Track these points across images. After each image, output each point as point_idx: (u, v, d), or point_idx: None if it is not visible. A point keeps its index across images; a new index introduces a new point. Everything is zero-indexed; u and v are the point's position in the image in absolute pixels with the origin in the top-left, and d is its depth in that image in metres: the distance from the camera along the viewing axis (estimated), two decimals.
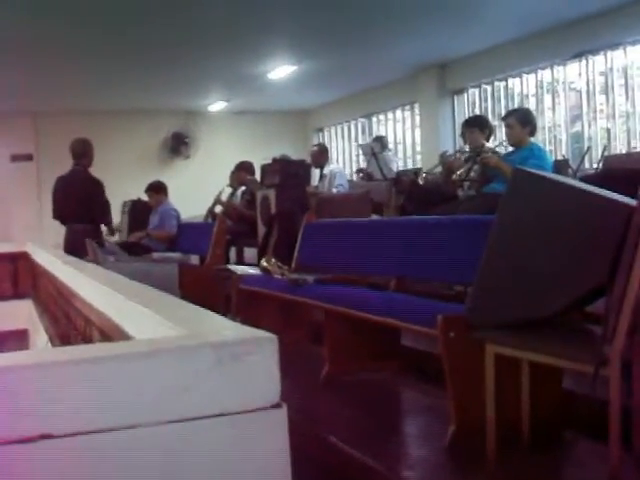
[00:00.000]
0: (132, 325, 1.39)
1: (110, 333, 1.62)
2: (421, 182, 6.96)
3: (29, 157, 13.89)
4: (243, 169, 9.63)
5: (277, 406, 0.93)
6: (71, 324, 2.58)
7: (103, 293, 1.90)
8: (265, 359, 0.94)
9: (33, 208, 13.27)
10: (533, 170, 3.41)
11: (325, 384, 4.47)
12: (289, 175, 7.83)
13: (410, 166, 12.38)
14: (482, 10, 8.39)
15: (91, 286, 2.17)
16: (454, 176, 6.51)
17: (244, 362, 0.93)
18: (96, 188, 7.52)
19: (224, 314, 5.68)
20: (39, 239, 8.92)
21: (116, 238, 9.12)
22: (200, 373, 0.90)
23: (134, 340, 1.26)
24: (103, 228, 7.94)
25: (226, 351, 0.92)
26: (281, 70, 11.01)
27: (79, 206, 7.40)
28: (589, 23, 8.65)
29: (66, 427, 0.83)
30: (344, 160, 14.81)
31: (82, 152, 7.64)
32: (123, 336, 1.41)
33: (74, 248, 6.56)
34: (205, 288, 6.83)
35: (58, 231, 7.97)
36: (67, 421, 0.83)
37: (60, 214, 7.75)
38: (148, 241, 8.42)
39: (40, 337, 3.82)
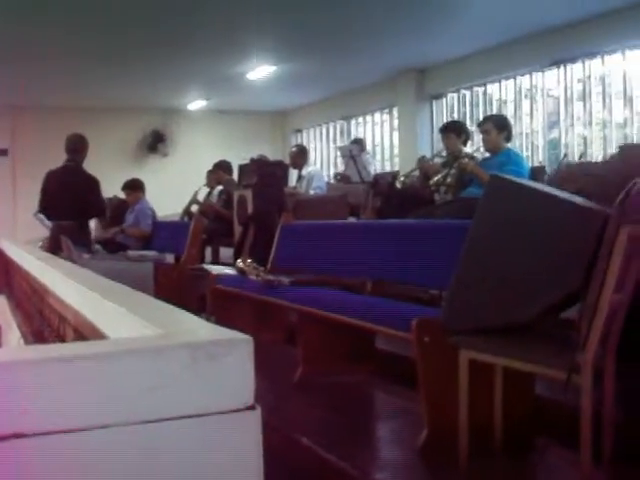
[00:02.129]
0: (107, 324, 1.38)
1: (84, 331, 1.60)
2: (399, 186, 6.98)
3: (4, 152, 13.74)
4: (221, 168, 9.62)
5: (251, 408, 0.93)
6: (45, 321, 2.55)
7: (78, 291, 1.88)
8: (240, 360, 0.93)
9: (7, 203, 13.14)
10: (510, 176, 3.43)
11: (299, 386, 4.46)
12: (267, 175, 7.81)
13: (388, 169, 12.41)
14: (462, 16, 8.44)
15: (65, 283, 2.15)
16: (431, 181, 6.53)
17: (219, 363, 0.92)
18: (93, 184, 7.46)
19: (199, 313, 5.66)
20: (12, 235, 8.84)
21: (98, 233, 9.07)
22: (175, 373, 0.90)
23: (109, 339, 1.25)
24: (92, 225, 7.90)
25: (201, 351, 0.92)
26: (261, 70, 11.00)
27: (73, 202, 7.29)
28: (567, 32, 8.74)
29: (39, 426, 0.82)
30: (322, 162, 14.81)
31: (78, 148, 7.56)
32: (98, 335, 1.40)
33: (58, 244, 6.48)
34: (180, 287, 6.82)
35: (33, 228, 7.90)
36: (40, 420, 0.82)
37: (50, 209, 7.62)
38: (123, 238, 8.38)
39: (13, 334, 3.78)
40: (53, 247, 6.40)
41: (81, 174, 7.50)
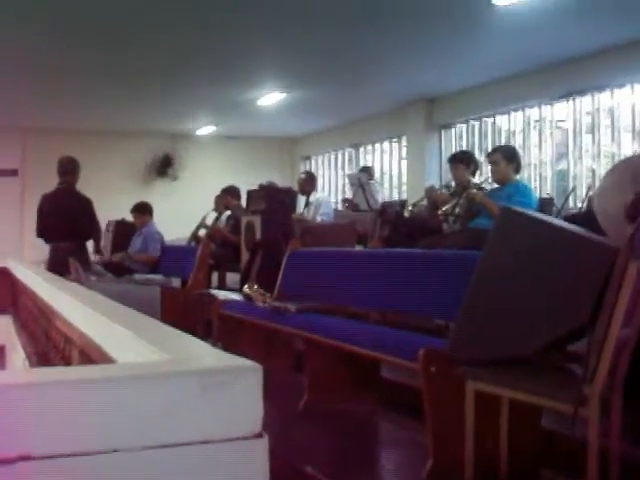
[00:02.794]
0: (114, 347, 1.38)
1: (91, 354, 1.60)
2: (407, 214, 6.98)
3: (14, 172, 13.81)
4: (229, 193, 9.64)
5: (259, 436, 0.92)
6: (50, 343, 2.55)
7: (85, 313, 1.88)
8: (249, 388, 0.93)
9: (14, 224, 13.18)
10: (518, 208, 3.43)
11: (304, 413, 4.44)
12: (275, 202, 7.83)
13: (395, 197, 12.42)
14: (472, 48, 8.48)
15: (73, 305, 2.15)
16: (440, 211, 6.53)
17: (228, 390, 0.92)
18: (87, 205, 7.51)
19: (204, 339, 5.64)
20: (19, 255, 8.86)
21: (98, 258, 9.08)
22: (183, 400, 0.89)
23: (116, 364, 1.24)
24: (89, 247, 7.91)
25: (210, 379, 0.92)
26: (270, 97, 11.05)
27: (67, 224, 7.34)
28: (577, 65, 8.77)
29: (45, 449, 0.82)
30: (330, 189, 14.84)
31: (70, 170, 7.62)
32: (104, 358, 1.40)
33: (58, 267, 6.52)
34: (186, 312, 6.80)
35: (39, 248, 7.93)
36: (47, 443, 0.82)
37: (45, 232, 7.68)
38: (130, 262, 8.39)
39: (17, 354, 3.78)
40: (52, 268, 6.42)
41: (74, 196, 7.55)
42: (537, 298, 2.89)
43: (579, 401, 2.59)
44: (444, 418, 3.21)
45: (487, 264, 3.06)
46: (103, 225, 9.87)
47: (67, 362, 2.05)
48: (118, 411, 0.86)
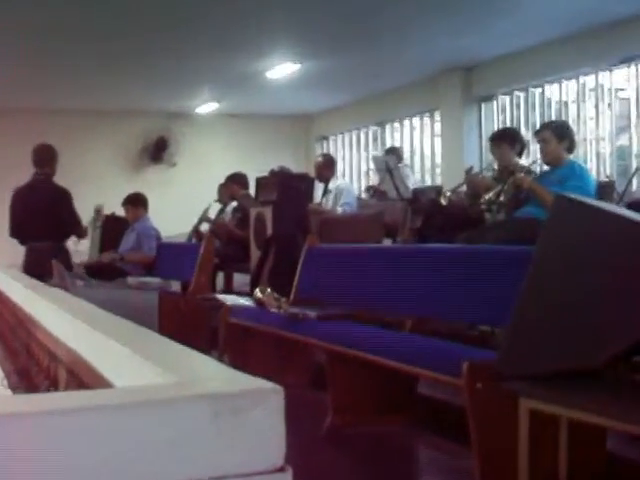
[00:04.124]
0: (108, 367, 1.37)
1: (81, 374, 1.60)
2: (443, 203, 6.96)
3: None
4: (235, 182, 9.66)
5: (281, 470, 0.92)
6: (32, 359, 2.55)
7: (71, 325, 1.88)
8: (269, 415, 0.93)
9: None
10: (576, 195, 3.41)
11: (328, 437, 4.45)
12: (289, 191, 7.84)
13: (428, 182, 12.41)
14: (516, 6, 8.43)
15: (57, 316, 2.15)
16: (482, 199, 6.52)
17: (245, 418, 0.92)
18: (65, 199, 7.55)
19: (208, 351, 5.65)
20: None
21: (84, 258, 9.11)
22: (193, 429, 0.89)
23: (114, 388, 1.24)
24: (71, 245, 7.96)
25: (224, 404, 0.91)
26: (281, 69, 11.06)
27: (45, 222, 7.39)
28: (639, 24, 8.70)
29: None
30: (352, 174, 14.85)
31: (47, 159, 7.67)
32: (97, 379, 1.39)
33: (36, 270, 6.54)
34: (187, 320, 6.83)
35: (14, 250, 7.96)
36: None
37: (20, 232, 7.73)
38: (121, 263, 8.41)
39: None
40: (29, 272, 6.46)
41: (50, 189, 7.59)
42: (600, 302, 2.87)
43: None
44: (493, 441, 3.21)
45: (542, 262, 3.04)
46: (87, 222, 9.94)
47: (53, 382, 2.05)
48: (117, 444, 0.86)
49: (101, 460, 0.84)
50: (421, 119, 13.14)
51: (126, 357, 1.28)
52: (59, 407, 0.89)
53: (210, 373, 1.12)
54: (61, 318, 2.08)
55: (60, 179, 7.83)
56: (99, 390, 1.28)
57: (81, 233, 8.10)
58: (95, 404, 0.90)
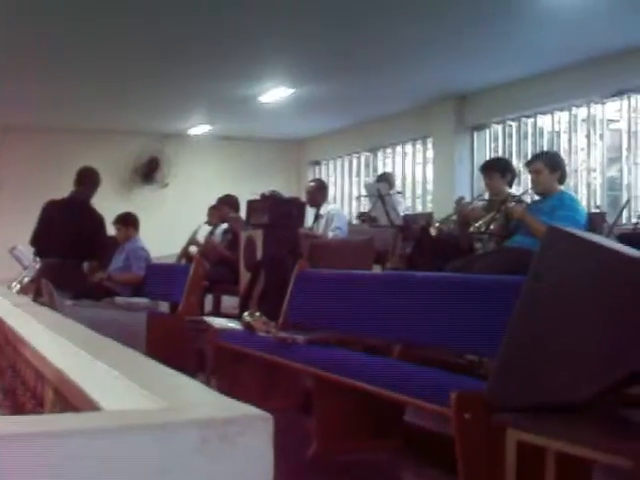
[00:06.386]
0: (96, 389, 1.36)
1: (68, 395, 1.59)
2: (433, 233, 6.96)
3: None
4: (226, 204, 9.65)
5: None
6: (18, 378, 2.54)
7: (59, 344, 1.87)
8: (258, 441, 0.92)
9: None
10: (568, 228, 3.41)
11: (313, 465, 4.42)
12: (280, 215, 7.83)
13: (419, 208, 12.44)
14: (510, 37, 8.47)
15: (45, 335, 2.14)
16: (472, 228, 6.52)
17: (234, 444, 0.91)
18: (101, 225, 7.68)
19: (195, 374, 5.62)
20: None
21: None
22: (181, 455, 0.89)
23: (102, 411, 1.23)
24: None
25: (213, 430, 0.91)
26: (275, 93, 11.08)
27: (78, 240, 7.42)
28: (632, 58, 8.74)
29: None
30: (343, 199, 14.86)
31: (90, 182, 7.81)
32: (83, 399, 1.38)
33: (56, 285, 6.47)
34: (175, 341, 6.80)
35: (5, 265, 7.93)
36: None
37: (45, 243, 7.69)
38: (110, 283, 8.38)
39: None
40: (40, 289, 6.43)
41: (89, 210, 7.66)
42: (591, 334, 2.86)
43: None
44: (479, 472, 3.19)
45: (532, 292, 3.04)
46: None
47: (39, 402, 2.03)
48: (104, 469, 0.85)
49: None
50: (413, 146, 13.18)
51: (114, 379, 1.27)
52: (46, 430, 0.88)
53: (199, 398, 1.12)
54: (49, 337, 2.07)
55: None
56: (87, 413, 1.27)
57: (103, 256, 8.15)
58: (83, 427, 0.89)
